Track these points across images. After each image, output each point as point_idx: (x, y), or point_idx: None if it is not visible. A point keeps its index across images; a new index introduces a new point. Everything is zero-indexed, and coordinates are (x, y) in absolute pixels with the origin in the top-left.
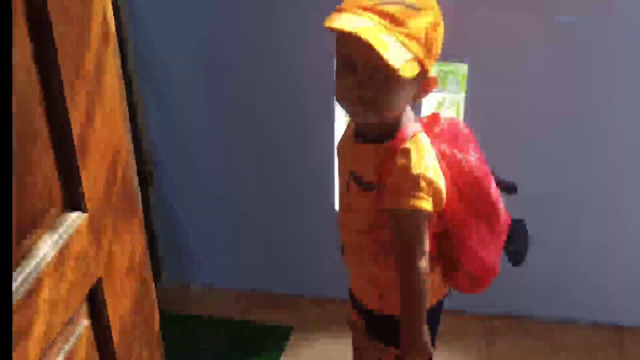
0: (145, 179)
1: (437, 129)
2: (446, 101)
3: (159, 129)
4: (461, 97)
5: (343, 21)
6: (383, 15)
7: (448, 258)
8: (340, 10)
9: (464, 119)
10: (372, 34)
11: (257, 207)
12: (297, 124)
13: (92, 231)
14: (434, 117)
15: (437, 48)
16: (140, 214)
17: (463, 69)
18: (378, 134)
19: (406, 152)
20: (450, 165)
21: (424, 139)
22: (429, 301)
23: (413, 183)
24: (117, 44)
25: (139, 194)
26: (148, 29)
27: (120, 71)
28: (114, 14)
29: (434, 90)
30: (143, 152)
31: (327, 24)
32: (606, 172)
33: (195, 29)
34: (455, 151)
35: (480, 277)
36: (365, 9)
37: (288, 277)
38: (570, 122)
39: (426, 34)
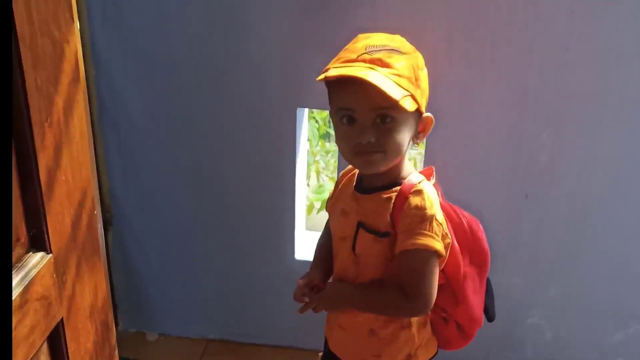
0: (105, 222)
1: (432, 181)
2: None
3: (120, 175)
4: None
5: (336, 71)
6: (371, 60)
7: (440, 311)
8: (327, 69)
9: None
10: (367, 74)
11: (214, 255)
12: (257, 174)
13: (57, 272)
14: (429, 171)
15: (426, 88)
16: (104, 257)
17: None
18: (384, 184)
19: (420, 193)
20: (449, 216)
21: (430, 187)
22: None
23: (427, 223)
24: (86, 89)
25: (103, 236)
26: (112, 78)
27: (89, 115)
28: None
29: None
30: (103, 196)
31: (321, 76)
32: (561, 223)
33: (158, 81)
34: (450, 203)
35: (468, 327)
36: (353, 60)
37: (245, 325)
38: (527, 175)
39: (414, 72)
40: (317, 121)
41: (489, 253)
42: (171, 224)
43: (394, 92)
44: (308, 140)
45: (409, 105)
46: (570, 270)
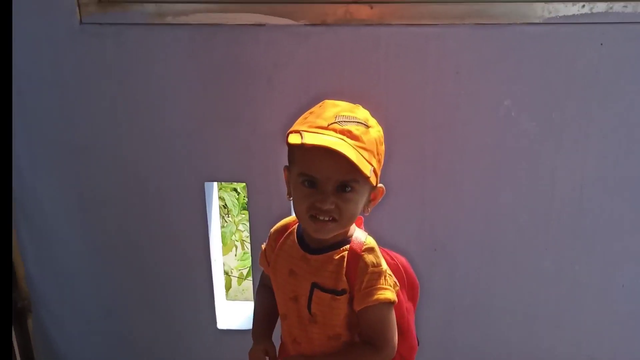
0: (23, 309)
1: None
2: None
3: (35, 261)
4: None
5: (312, 138)
6: (342, 131)
7: None
8: (297, 132)
9: None
10: (342, 147)
11: (138, 332)
12: (171, 249)
13: None
14: (360, 220)
15: (382, 161)
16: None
17: None
18: (333, 242)
19: (372, 251)
20: (387, 261)
21: (373, 241)
22: None
23: (382, 278)
24: None
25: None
26: (18, 167)
27: None
28: None
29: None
30: (20, 283)
31: (296, 140)
32: (471, 273)
33: (66, 167)
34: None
35: (408, 355)
36: (323, 127)
37: None
38: (435, 229)
39: (376, 146)
40: (237, 192)
41: (418, 285)
42: (91, 304)
43: (365, 167)
44: (229, 210)
45: (373, 180)
46: (485, 316)
